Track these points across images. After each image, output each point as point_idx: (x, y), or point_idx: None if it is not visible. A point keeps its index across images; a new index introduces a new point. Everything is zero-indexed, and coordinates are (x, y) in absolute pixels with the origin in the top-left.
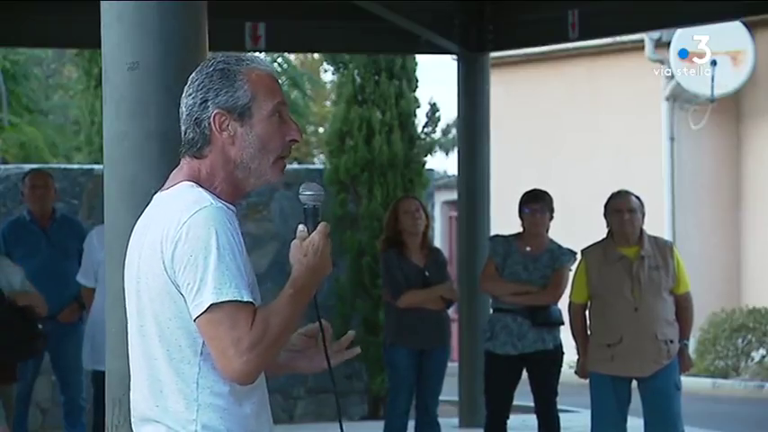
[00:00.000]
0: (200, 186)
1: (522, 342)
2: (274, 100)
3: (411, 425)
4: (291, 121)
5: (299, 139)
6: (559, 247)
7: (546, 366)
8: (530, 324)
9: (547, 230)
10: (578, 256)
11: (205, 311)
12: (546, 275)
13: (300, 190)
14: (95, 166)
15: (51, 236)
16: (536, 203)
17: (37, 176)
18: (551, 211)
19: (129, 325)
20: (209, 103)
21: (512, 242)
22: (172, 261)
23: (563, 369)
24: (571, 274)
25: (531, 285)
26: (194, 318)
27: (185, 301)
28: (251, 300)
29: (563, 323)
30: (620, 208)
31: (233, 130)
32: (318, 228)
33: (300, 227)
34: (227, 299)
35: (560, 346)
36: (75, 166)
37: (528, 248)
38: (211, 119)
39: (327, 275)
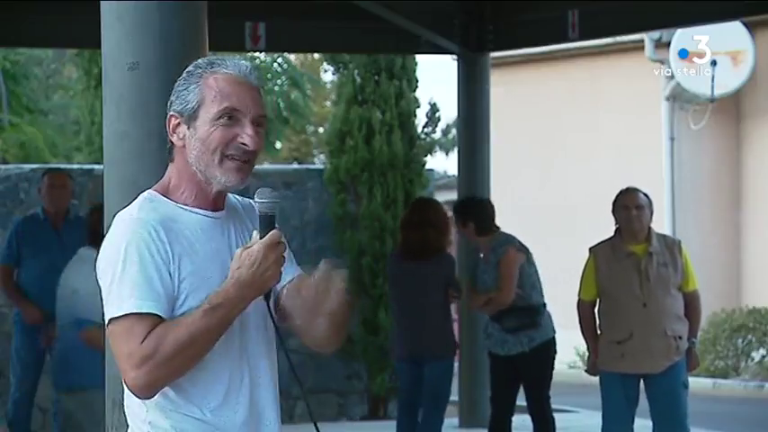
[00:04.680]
0: (159, 193)
1: (505, 346)
2: (223, 104)
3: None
4: (248, 127)
5: (251, 145)
6: (498, 240)
7: (528, 368)
8: (499, 329)
9: (479, 233)
10: (515, 239)
11: (108, 324)
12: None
13: (255, 197)
14: (95, 166)
15: (63, 236)
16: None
17: (56, 176)
18: (466, 217)
19: None
20: (171, 105)
21: (477, 252)
22: (96, 271)
23: (563, 369)
24: (568, 272)
25: (491, 292)
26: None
27: None
28: (153, 311)
29: (535, 323)
30: (628, 204)
31: (182, 134)
32: (264, 238)
33: (254, 234)
34: (122, 312)
35: (540, 346)
36: (76, 166)
37: (481, 254)
38: (167, 121)
39: (267, 289)
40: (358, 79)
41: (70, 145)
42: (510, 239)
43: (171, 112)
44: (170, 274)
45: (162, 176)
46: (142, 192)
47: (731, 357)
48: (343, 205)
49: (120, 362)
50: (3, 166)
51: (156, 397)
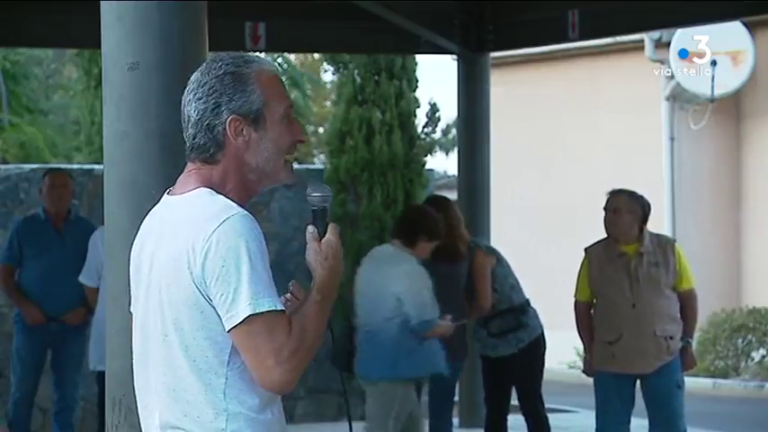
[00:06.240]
0: (217, 192)
1: (495, 349)
2: (284, 103)
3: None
4: (297, 122)
5: (305, 139)
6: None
7: (518, 368)
8: (486, 333)
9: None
10: (482, 242)
11: (241, 323)
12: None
13: (308, 191)
14: (95, 166)
15: (64, 236)
16: None
17: (57, 176)
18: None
19: (139, 330)
20: (222, 108)
21: None
22: (202, 272)
23: (563, 369)
24: (568, 272)
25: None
26: (228, 329)
27: (216, 312)
28: (283, 308)
29: (521, 324)
30: (606, 207)
31: (248, 136)
32: (330, 229)
33: (310, 228)
34: (264, 309)
35: (528, 346)
36: (76, 166)
37: None
38: (227, 125)
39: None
40: (358, 79)
41: (70, 145)
42: (477, 243)
43: (232, 115)
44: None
45: (167, 174)
46: (145, 190)
47: (731, 357)
48: (343, 205)
49: (265, 359)
50: (3, 166)
51: (237, 407)
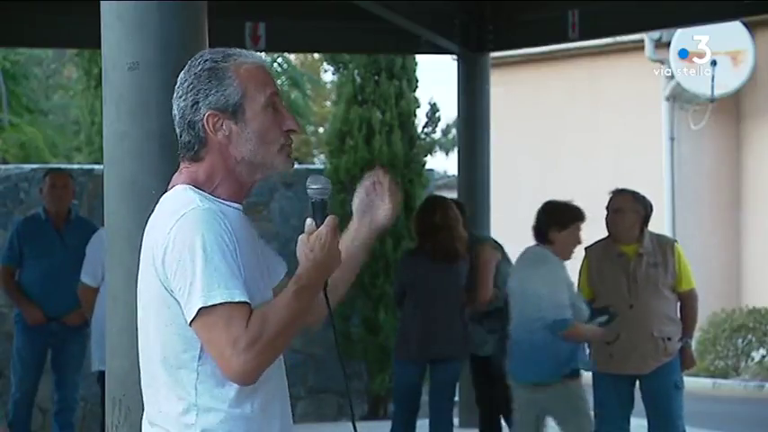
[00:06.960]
0: (196, 188)
1: (486, 347)
2: (266, 92)
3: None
4: (285, 111)
5: (296, 128)
6: (471, 239)
7: (492, 371)
8: (481, 330)
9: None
10: (490, 238)
11: (197, 316)
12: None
13: (308, 183)
14: (95, 166)
15: (65, 237)
16: None
17: (57, 176)
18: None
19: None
20: (200, 104)
21: None
22: (163, 267)
23: None
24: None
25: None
26: (188, 323)
27: (180, 306)
28: (244, 299)
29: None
30: (607, 207)
31: (227, 130)
32: (326, 221)
33: (308, 221)
34: (216, 301)
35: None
36: (76, 166)
37: None
38: (204, 121)
39: (333, 271)
40: (358, 79)
41: (70, 145)
42: (485, 238)
43: (208, 111)
44: (240, 263)
45: (167, 174)
46: (145, 190)
47: (731, 357)
48: (343, 205)
49: (223, 349)
50: (3, 166)
51: (209, 402)
